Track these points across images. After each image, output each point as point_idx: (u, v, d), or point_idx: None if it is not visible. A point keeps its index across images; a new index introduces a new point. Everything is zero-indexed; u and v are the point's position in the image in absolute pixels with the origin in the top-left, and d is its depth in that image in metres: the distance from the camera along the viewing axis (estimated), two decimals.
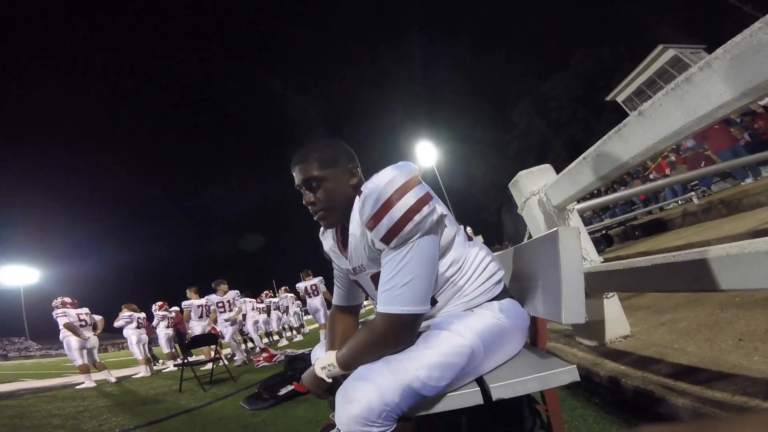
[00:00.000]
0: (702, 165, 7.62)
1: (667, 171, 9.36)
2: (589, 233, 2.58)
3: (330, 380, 0.93)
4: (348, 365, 0.88)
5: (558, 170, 1.94)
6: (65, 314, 5.71)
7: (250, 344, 9.33)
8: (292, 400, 2.63)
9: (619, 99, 21.17)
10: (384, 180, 0.83)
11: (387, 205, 0.81)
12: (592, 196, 3.49)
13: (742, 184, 6.90)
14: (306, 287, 6.62)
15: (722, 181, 8.09)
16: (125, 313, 7.05)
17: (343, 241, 1.06)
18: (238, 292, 7.34)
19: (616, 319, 1.93)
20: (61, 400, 4.41)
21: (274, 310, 10.28)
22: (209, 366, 4.73)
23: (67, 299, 5.99)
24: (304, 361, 3.37)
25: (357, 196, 0.91)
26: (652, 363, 1.49)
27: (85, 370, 5.66)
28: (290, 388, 2.69)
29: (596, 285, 1.65)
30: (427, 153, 21.81)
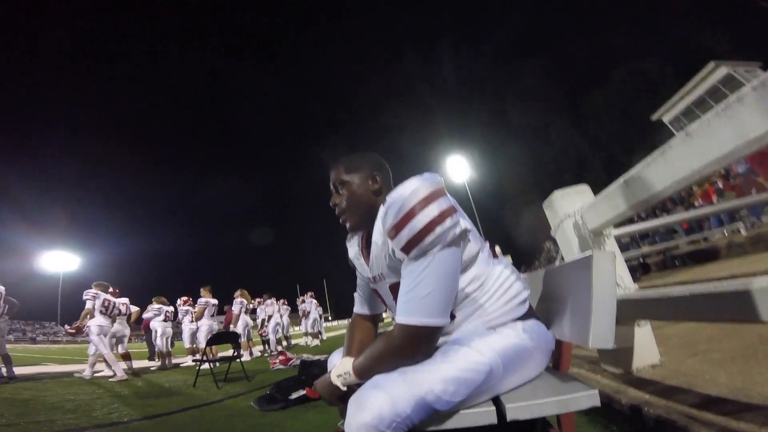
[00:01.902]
0: (753, 192, 7.09)
1: (714, 198, 8.79)
2: (626, 260, 2.46)
3: (344, 388, 0.92)
4: (364, 374, 0.88)
5: (596, 191, 1.86)
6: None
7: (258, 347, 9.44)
8: (302, 405, 2.62)
9: (666, 119, 19.74)
10: (408, 190, 0.84)
11: (409, 215, 0.81)
12: (631, 221, 3.32)
13: None
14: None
15: None
16: (155, 306, 7.32)
17: (367, 248, 1.08)
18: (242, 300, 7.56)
19: (646, 347, 1.86)
20: (77, 386, 4.56)
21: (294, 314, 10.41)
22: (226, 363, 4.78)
23: (109, 287, 6.20)
24: (319, 366, 3.37)
25: (381, 205, 0.92)
26: (679, 392, 1.43)
27: (112, 360, 5.67)
28: (302, 392, 2.69)
29: (628, 312, 1.58)
30: (458, 168, 21.41)
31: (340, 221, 1.07)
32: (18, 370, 5.80)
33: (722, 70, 16.46)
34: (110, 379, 5.22)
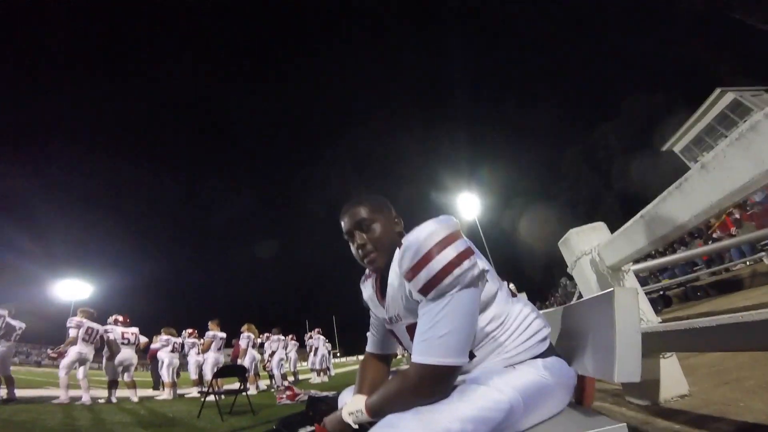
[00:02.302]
0: None
1: (733, 230, 8.56)
2: (646, 293, 2.41)
3: (356, 426, 0.91)
4: (377, 413, 0.86)
5: (610, 226, 1.87)
6: (111, 332, 6.03)
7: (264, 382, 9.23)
8: None
9: (677, 149, 19.68)
10: (424, 233, 0.85)
11: (426, 258, 0.82)
12: (649, 256, 3.26)
13: None
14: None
15: None
16: (163, 336, 7.32)
17: (381, 290, 1.08)
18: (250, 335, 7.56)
19: (673, 378, 1.81)
20: (78, 411, 4.50)
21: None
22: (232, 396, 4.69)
23: (120, 317, 6.34)
24: (327, 403, 3.23)
25: (397, 248, 0.94)
26: (712, 421, 1.38)
27: (112, 385, 5.80)
28: (310, 428, 2.58)
29: (653, 345, 1.55)
30: (469, 205, 21.21)
31: (365, 261, 1.03)
32: (20, 392, 5.80)
33: (729, 96, 16.46)
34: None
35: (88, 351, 5.76)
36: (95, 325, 5.90)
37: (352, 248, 1.05)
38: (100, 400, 5.73)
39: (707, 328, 1.19)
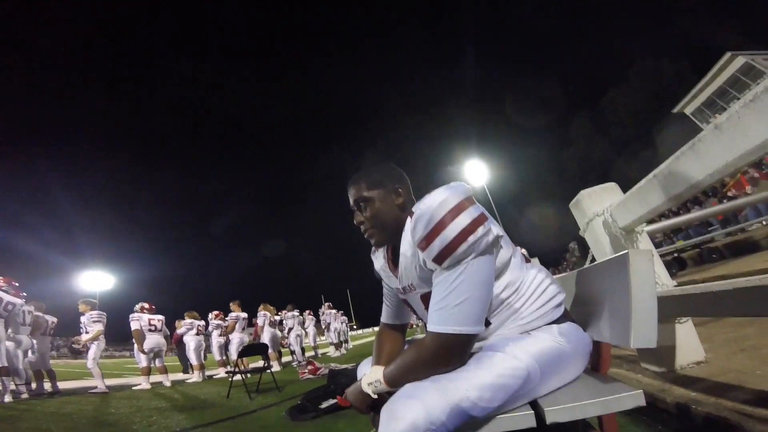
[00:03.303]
0: None
1: (748, 188, 8.36)
2: (660, 256, 2.39)
3: (375, 396, 0.93)
4: (395, 382, 0.87)
5: (624, 190, 1.83)
6: (137, 319, 6.25)
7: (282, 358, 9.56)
8: (332, 414, 2.63)
9: (688, 111, 19.74)
10: (436, 201, 0.83)
11: (439, 226, 0.81)
12: (663, 216, 3.22)
13: None
14: None
15: None
16: (187, 320, 7.54)
17: (393, 260, 1.09)
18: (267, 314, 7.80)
19: (689, 345, 1.79)
20: (117, 400, 4.69)
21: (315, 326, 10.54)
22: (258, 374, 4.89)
23: (146, 305, 6.57)
24: (347, 375, 3.39)
25: (408, 217, 0.92)
26: (729, 389, 1.36)
27: (145, 372, 6.09)
28: (333, 401, 2.71)
29: (668, 310, 1.54)
30: (477, 172, 20.80)
31: (366, 237, 1.06)
32: (60, 385, 6.08)
33: (740, 60, 16.60)
34: (133, 387, 5.83)
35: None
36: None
37: (354, 221, 1.07)
38: (134, 387, 6.00)
39: (724, 292, 1.17)
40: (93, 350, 5.85)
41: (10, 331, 5.07)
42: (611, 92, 31.22)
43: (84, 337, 5.93)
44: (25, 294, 5.56)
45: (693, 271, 6.55)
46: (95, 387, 5.60)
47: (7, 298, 4.87)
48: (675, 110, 20.49)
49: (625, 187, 1.83)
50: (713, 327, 2.42)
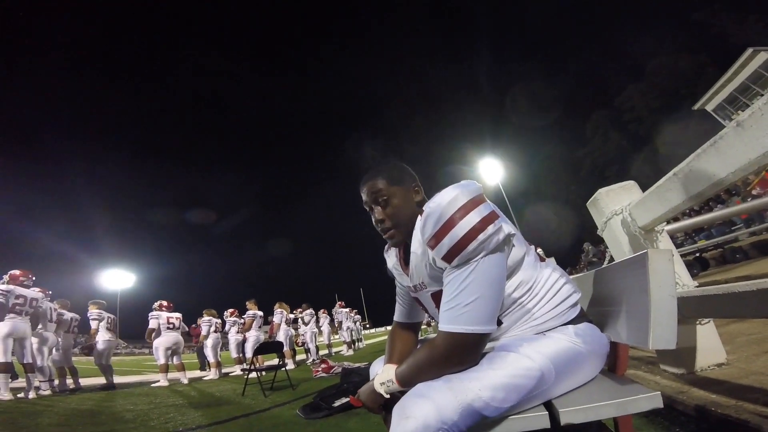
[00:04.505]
0: None
1: None
2: (681, 256, 2.33)
3: (387, 396, 0.93)
4: (407, 382, 0.87)
5: (643, 188, 1.79)
6: (156, 317, 6.40)
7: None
8: (345, 413, 2.65)
9: (709, 108, 19.30)
10: (446, 199, 0.83)
11: (449, 224, 0.81)
12: (684, 215, 3.14)
13: None
14: None
15: None
16: (205, 318, 7.69)
17: (405, 258, 1.08)
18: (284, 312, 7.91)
19: (710, 346, 1.75)
20: (136, 396, 4.81)
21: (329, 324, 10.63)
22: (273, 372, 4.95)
23: (164, 303, 6.71)
24: (360, 374, 3.41)
25: (419, 215, 0.92)
26: (750, 392, 1.33)
27: (163, 369, 6.22)
28: (345, 400, 2.73)
29: (689, 311, 1.50)
30: (491, 170, 20.61)
31: (385, 236, 1.03)
32: (82, 382, 6.31)
33: (762, 56, 16.27)
34: (152, 384, 5.99)
35: (111, 337, 6.42)
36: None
37: (374, 219, 1.03)
38: (153, 385, 6.15)
39: (747, 293, 1.14)
40: (98, 348, 6.16)
41: (39, 327, 5.25)
42: (629, 89, 30.52)
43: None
44: (50, 292, 5.75)
45: (715, 271, 6.37)
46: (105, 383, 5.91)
47: (30, 294, 4.98)
48: (695, 107, 20.06)
49: (643, 186, 1.79)
50: (736, 328, 2.36)
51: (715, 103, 18.89)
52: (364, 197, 1.04)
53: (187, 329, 7.57)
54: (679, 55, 27.68)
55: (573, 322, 0.93)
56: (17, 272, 5.10)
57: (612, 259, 2.02)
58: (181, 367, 6.48)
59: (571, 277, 1.16)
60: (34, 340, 5.20)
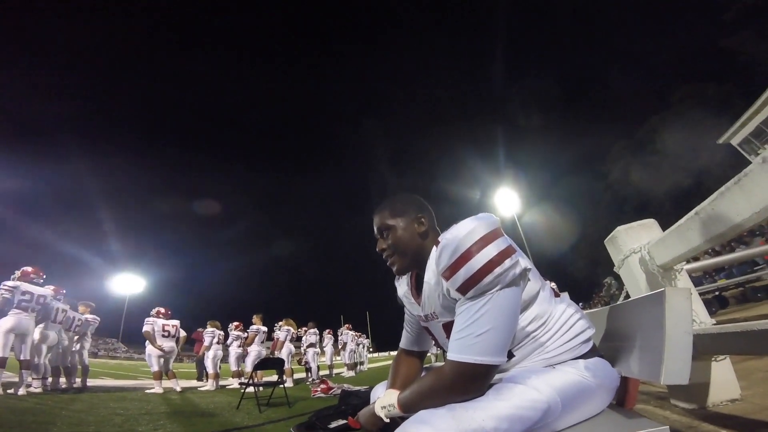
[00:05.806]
0: None
1: None
2: (700, 294, 2.26)
3: (387, 420, 0.92)
4: (409, 408, 0.86)
5: (662, 224, 1.76)
6: (152, 323, 6.37)
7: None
8: None
9: (734, 141, 18.65)
10: (463, 231, 0.84)
11: (465, 256, 0.81)
12: (705, 254, 3.04)
13: None
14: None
15: None
16: (209, 329, 7.67)
17: (417, 287, 1.10)
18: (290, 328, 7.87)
19: (725, 382, 1.72)
20: (128, 401, 4.72)
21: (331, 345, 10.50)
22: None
23: (162, 309, 6.70)
24: (360, 397, 3.29)
25: (435, 246, 0.94)
26: (762, 427, 1.31)
27: (157, 376, 6.12)
28: (342, 421, 2.63)
29: (705, 347, 1.47)
30: (507, 201, 20.42)
31: (388, 264, 1.08)
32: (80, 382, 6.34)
33: None
34: (146, 390, 5.81)
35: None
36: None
37: (377, 248, 1.10)
38: (147, 391, 6.06)
39: (765, 331, 1.11)
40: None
41: (42, 325, 5.27)
42: (651, 120, 30.20)
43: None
44: (64, 291, 5.82)
45: (735, 309, 6.19)
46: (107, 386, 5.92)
47: (38, 291, 5.03)
48: (720, 141, 19.45)
49: (663, 222, 1.75)
50: (753, 364, 2.32)
51: (741, 136, 18.26)
52: (374, 228, 1.11)
53: (185, 334, 7.51)
54: (706, 84, 27.32)
55: (585, 356, 0.92)
56: (29, 269, 5.19)
57: (628, 296, 1.96)
58: (172, 375, 6.38)
59: (586, 312, 1.12)
60: (35, 337, 5.20)
